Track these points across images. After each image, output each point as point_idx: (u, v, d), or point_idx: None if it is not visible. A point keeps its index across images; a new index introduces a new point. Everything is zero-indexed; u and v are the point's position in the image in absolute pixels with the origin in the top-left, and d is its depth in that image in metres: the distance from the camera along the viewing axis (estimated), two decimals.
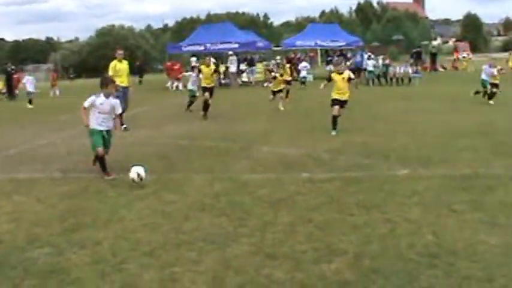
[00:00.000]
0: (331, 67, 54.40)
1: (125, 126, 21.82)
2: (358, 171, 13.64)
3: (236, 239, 9.04)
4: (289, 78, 33.49)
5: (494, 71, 29.67)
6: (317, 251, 8.36)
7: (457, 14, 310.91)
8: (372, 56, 50.90)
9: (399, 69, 47.21)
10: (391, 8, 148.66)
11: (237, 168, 14.61)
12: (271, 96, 29.23)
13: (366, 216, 10.03)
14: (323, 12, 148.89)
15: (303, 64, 49.86)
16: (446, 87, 40.97)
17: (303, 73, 47.76)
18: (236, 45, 50.58)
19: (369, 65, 47.15)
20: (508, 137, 18.18)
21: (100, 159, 13.88)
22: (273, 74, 31.22)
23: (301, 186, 12.35)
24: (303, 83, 45.98)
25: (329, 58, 58.81)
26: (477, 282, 7.13)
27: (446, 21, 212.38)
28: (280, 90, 29.16)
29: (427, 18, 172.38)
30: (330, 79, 20.25)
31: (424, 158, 14.98)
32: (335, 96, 19.97)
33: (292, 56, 58.31)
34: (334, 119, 19.78)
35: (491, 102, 28.70)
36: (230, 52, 50.87)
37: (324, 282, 7.28)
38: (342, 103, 19.94)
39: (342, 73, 20.26)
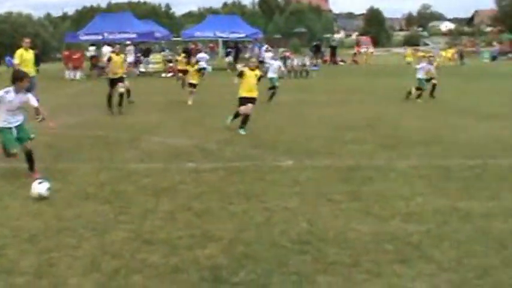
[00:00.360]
0: (230, 58, 54.82)
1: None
2: (244, 162, 13.96)
3: (116, 225, 9.23)
4: (185, 68, 33.37)
5: (432, 66, 29.66)
6: (193, 237, 8.63)
7: (361, 8, 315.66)
8: (270, 48, 51.38)
9: (297, 62, 47.75)
10: (295, 1, 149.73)
11: (124, 158, 14.72)
12: (190, 88, 27.81)
13: (245, 204, 10.35)
14: (225, 4, 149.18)
15: (201, 55, 49.81)
16: (343, 81, 41.85)
17: (202, 64, 47.71)
18: (134, 35, 50.16)
19: (267, 57, 47.40)
20: (395, 130, 18.91)
21: (8, 156, 12.94)
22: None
23: (186, 175, 12.59)
24: (202, 74, 45.92)
25: (228, 50, 59.05)
26: (343, 267, 7.52)
27: (350, 15, 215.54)
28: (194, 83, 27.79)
29: (330, 11, 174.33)
30: (241, 74, 18.96)
31: (310, 150, 15.46)
32: (244, 94, 18.68)
33: (193, 46, 58.24)
34: (245, 117, 18.45)
35: (433, 97, 28.64)
36: (128, 42, 50.48)
37: (197, 266, 7.56)
38: (251, 100, 18.62)
39: (254, 69, 19.10)
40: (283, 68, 29.48)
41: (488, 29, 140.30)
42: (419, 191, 11.33)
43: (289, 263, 7.66)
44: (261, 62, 46.75)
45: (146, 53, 54.82)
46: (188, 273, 7.35)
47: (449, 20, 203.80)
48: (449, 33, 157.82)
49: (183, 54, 37.10)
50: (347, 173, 12.79)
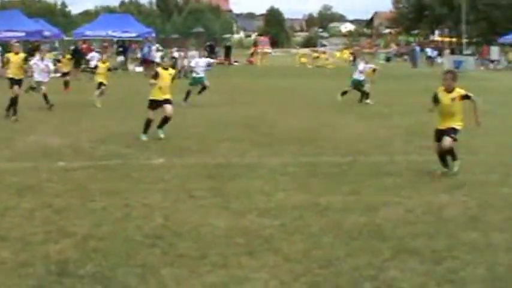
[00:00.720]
0: (122, 58, 54.47)
1: None
2: (115, 160, 14.10)
3: None
4: (67, 70, 32.80)
5: (372, 65, 29.29)
6: (48, 233, 8.75)
7: (262, 9, 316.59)
8: (160, 48, 51.29)
9: (187, 62, 47.59)
10: (194, 0, 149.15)
11: None
12: (100, 88, 25.81)
13: (106, 201, 10.52)
14: (122, 2, 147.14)
15: (92, 54, 49.14)
16: (233, 81, 42.10)
17: (93, 63, 47.01)
18: (23, 34, 49.10)
19: (157, 57, 47.35)
20: (272, 128, 19.36)
21: None
22: (98, 63, 28.06)
23: (54, 174, 12.65)
24: (92, 73, 45.20)
25: (120, 49, 58.49)
26: (190, 260, 7.78)
27: (251, 15, 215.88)
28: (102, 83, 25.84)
29: (230, 11, 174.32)
30: (156, 75, 17.50)
31: (183, 148, 15.76)
32: (155, 97, 17.37)
33: (84, 46, 57.39)
34: (148, 122, 17.17)
35: (368, 101, 27.59)
36: (14, 40, 49.34)
37: (46, 261, 7.69)
38: (166, 102, 17.36)
39: (167, 68, 18.02)
40: (212, 61, 28.16)
41: (387, 30, 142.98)
42: (283, 187, 11.74)
43: (138, 256, 7.87)
44: (152, 62, 46.79)
45: (32, 52, 53.65)
46: (35, 267, 7.47)
47: (350, 21, 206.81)
48: (349, 34, 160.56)
49: (68, 56, 36.20)
50: (215, 170, 13.12)
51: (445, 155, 13.04)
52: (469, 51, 79.90)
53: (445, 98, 13.00)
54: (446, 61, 63.79)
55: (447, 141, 12.73)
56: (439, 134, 13.02)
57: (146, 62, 48.70)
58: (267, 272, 7.45)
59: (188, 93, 26.54)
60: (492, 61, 69.99)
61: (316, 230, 9.15)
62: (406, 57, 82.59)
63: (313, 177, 12.74)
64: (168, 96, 17.51)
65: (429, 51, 76.61)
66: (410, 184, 12.23)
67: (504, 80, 48.69)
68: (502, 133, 19.49)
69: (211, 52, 63.11)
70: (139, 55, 55.42)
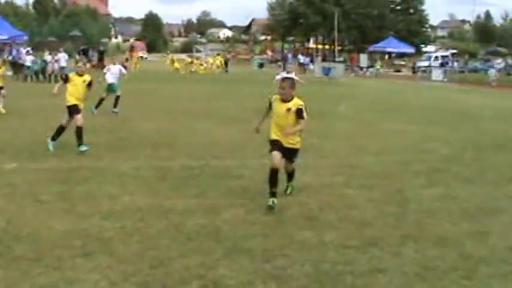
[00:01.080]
0: None
1: None
2: None
3: None
4: None
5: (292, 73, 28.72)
6: None
7: (141, 13, 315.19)
8: (31, 52, 50.61)
9: (58, 66, 47.18)
10: (71, 3, 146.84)
11: None
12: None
13: None
14: None
15: None
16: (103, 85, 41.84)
17: None
18: None
19: (27, 60, 46.74)
20: (130, 133, 19.90)
21: None
22: None
23: None
24: None
25: None
26: (24, 262, 7.98)
27: (130, 20, 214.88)
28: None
29: (109, 15, 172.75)
30: (66, 80, 16.47)
31: (38, 153, 15.74)
32: (74, 101, 16.30)
33: None
34: (80, 131, 15.95)
35: None
36: None
37: None
38: (80, 111, 16.24)
39: (82, 75, 16.50)
40: (124, 71, 27.37)
41: (263, 37, 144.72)
42: (130, 191, 12.05)
43: None
44: (22, 66, 46.07)
45: None
46: None
47: (229, 27, 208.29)
48: (226, 40, 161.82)
49: None
50: (66, 175, 13.30)
51: (290, 176, 12.22)
52: (341, 59, 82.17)
53: (280, 107, 11.33)
54: (316, 68, 65.36)
55: (291, 167, 11.97)
56: (277, 146, 11.30)
57: (16, 65, 47.92)
58: (99, 272, 7.73)
59: (100, 101, 25.28)
60: (361, 68, 72.48)
61: (155, 232, 9.50)
62: (280, 63, 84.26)
63: (163, 181, 13.10)
64: (81, 105, 16.43)
65: (301, 58, 78.48)
66: (257, 187, 12.58)
67: (370, 87, 50.35)
68: (357, 137, 20.48)
69: (84, 56, 62.69)
70: (9, 58, 54.56)
